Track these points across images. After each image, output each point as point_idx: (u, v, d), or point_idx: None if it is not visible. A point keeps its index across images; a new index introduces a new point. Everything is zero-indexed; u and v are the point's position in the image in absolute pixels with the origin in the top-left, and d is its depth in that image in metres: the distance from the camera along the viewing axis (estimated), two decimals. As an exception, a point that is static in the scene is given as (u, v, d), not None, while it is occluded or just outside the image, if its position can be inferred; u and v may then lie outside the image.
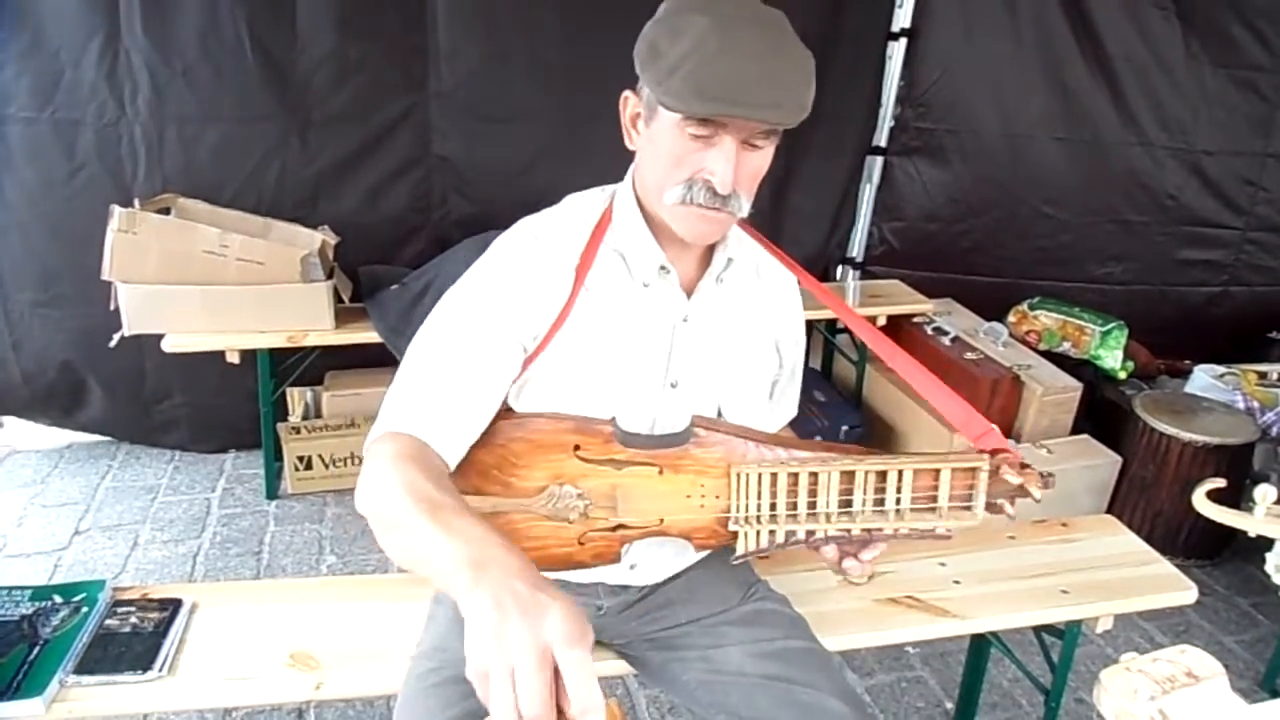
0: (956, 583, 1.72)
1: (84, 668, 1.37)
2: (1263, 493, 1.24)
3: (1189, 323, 3.75)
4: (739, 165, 1.08)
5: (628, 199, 1.21)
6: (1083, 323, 3.37)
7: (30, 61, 2.62)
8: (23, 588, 1.51)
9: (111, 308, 2.54)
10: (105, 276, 2.49)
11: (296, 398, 3.12)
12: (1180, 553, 2.70)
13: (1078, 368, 3.27)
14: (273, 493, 2.99)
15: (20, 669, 1.34)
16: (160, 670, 1.38)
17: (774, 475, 1.14)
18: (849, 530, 1.15)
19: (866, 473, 1.13)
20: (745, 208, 1.13)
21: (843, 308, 1.45)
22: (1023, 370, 3.12)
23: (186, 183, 2.78)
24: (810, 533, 1.15)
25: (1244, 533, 1.42)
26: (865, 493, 1.14)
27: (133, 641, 1.43)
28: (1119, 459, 2.89)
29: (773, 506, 1.15)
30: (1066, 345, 3.38)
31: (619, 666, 1.46)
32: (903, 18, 3.36)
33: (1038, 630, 1.87)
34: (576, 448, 1.17)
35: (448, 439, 1.09)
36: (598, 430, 1.17)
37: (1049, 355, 3.30)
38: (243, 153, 2.85)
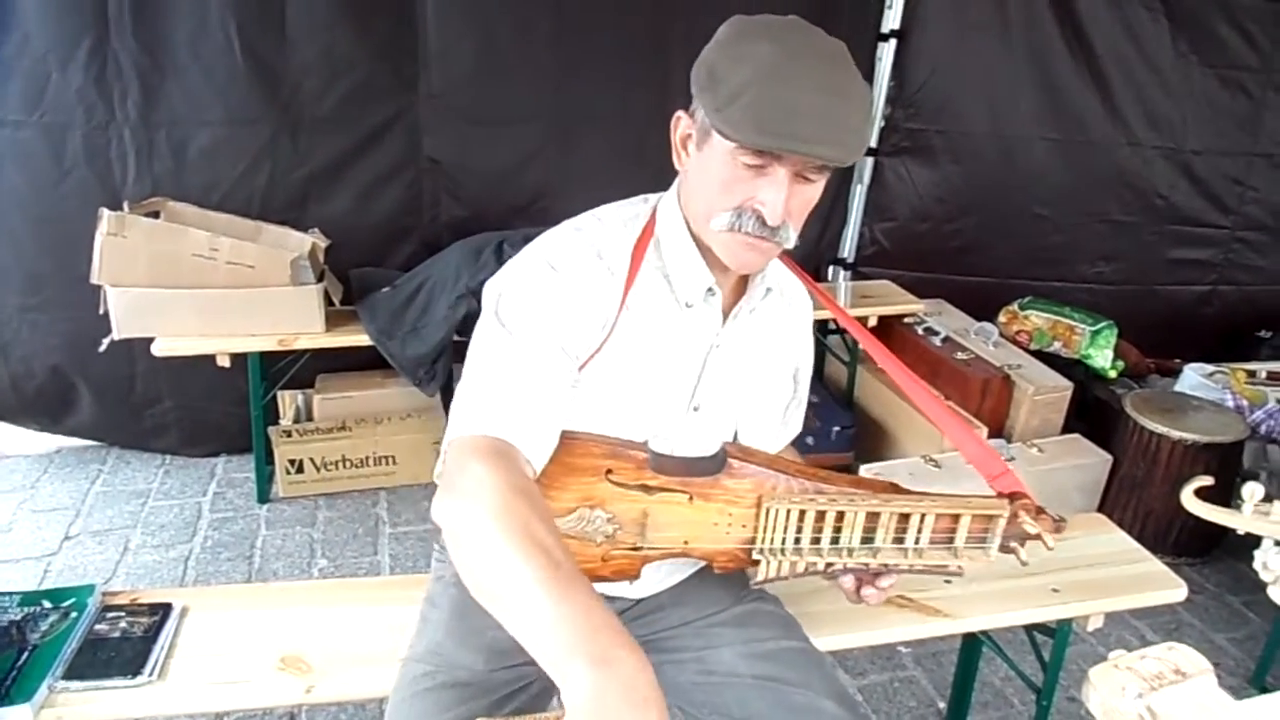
0: (948, 582, 1.72)
1: (73, 673, 1.36)
2: (1250, 490, 1.24)
3: (1178, 322, 3.77)
4: (790, 197, 1.06)
5: (674, 217, 1.19)
6: (1073, 322, 3.38)
7: (18, 65, 2.61)
8: (11, 593, 1.50)
9: (101, 311, 2.53)
10: (94, 280, 2.48)
11: (287, 401, 3.11)
12: (1171, 551, 2.71)
13: (1068, 367, 3.28)
14: (264, 496, 2.98)
15: (9, 675, 1.33)
16: (150, 675, 1.38)
17: (802, 512, 1.16)
18: (867, 565, 1.18)
19: (891, 514, 1.16)
20: (793, 239, 1.11)
21: (867, 338, 1.44)
22: (1013, 370, 3.13)
23: (176, 186, 2.77)
24: (830, 565, 1.18)
25: (1234, 531, 1.43)
26: (888, 531, 1.17)
27: (122, 646, 1.42)
28: (1109, 458, 2.90)
29: (797, 540, 1.18)
30: (1057, 345, 3.39)
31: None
32: (892, 19, 3.37)
33: (1029, 629, 1.87)
34: (609, 471, 1.16)
35: (535, 444, 1.05)
36: (631, 455, 1.16)
37: (1039, 355, 3.31)
38: (232, 155, 2.85)
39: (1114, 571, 1.78)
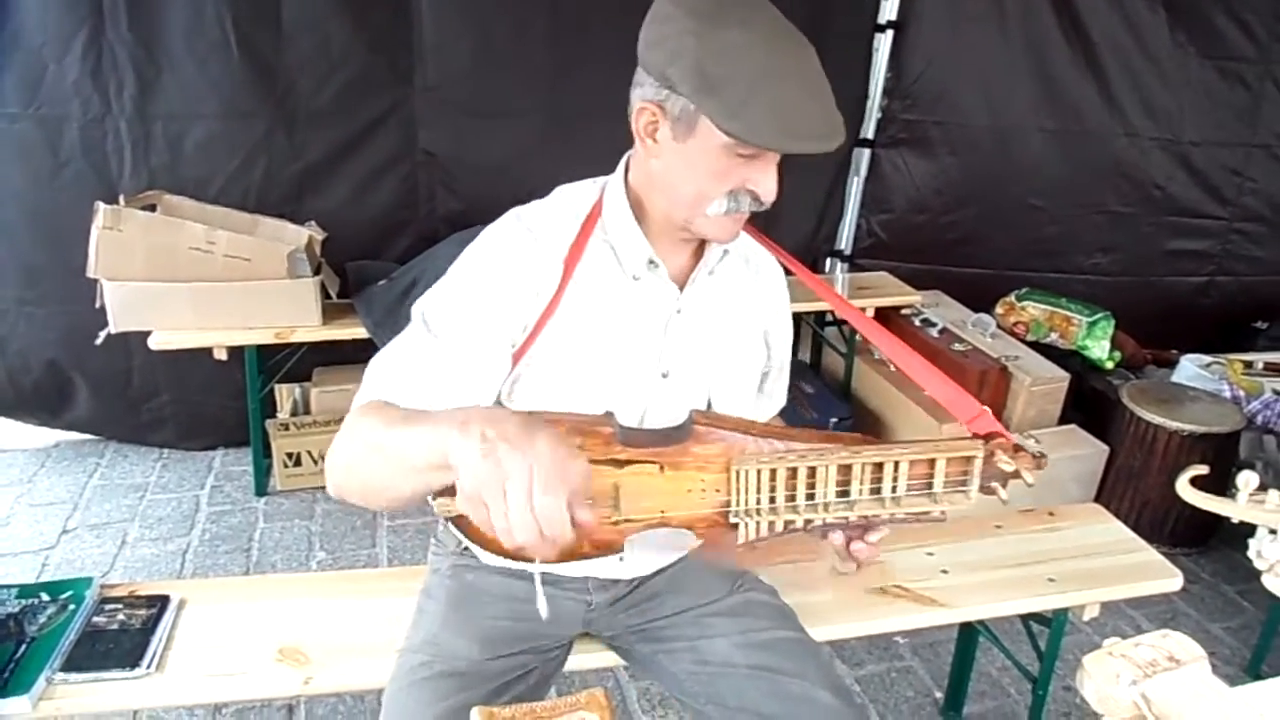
0: (945, 572, 1.73)
1: (71, 665, 1.36)
2: (1245, 479, 1.24)
3: (1175, 313, 3.77)
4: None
5: (618, 193, 1.22)
6: (1070, 313, 3.38)
7: (13, 57, 2.61)
8: (9, 586, 1.50)
9: (97, 305, 2.53)
10: (90, 274, 2.48)
11: (285, 394, 3.11)
12: (1167, 541, 2.72)
13: (1065, 358, 3.29)
14: (262, 489, 2.98)
15: (7, 667, 1.33)
16: (148, 667, 1.38)
17: (773, 471, 1.15)
18: (847, 518, 1.16)
19: (864, 465, 1.15)
20: (767, 206, 1.17)
21: (831, 293, 1.46)
22: (1010, 361, 3.13)
23: (172, 179, 2.77)
24: (809, 521, 1.17)
25: (1230, 521, 1.43)
26: (862, 483, 1.15)
27: (120, 638, 1.42)
28: (1106, 448, 2.90)
29: (772, 499, 1.16)
30: (1054, 336, 3.40)
31: (608, 658, 1.46)
32: (889, 10, 3.35)
33: (1025, 619, 1.88)
34: (580, 448, 1.17)
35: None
36: (598, 430, 1.16)
37: (1036, 346, 3.32)
38: (229, 149, 2.85)
39: (1110, 561, 1.79)
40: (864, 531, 1.21)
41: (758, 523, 1.17)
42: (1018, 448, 1.16)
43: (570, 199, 1.24)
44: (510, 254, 1.18)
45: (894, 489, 1.15)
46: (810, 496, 1.16)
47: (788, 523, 1.17)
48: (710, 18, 1.04)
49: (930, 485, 1.16)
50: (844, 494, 1.16)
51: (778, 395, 1.48)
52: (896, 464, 1.14)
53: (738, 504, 1.17)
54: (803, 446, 1.17)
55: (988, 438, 1.16)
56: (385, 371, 1.13)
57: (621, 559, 1.31)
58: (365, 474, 1.03)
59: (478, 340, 1.14)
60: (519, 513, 0.81)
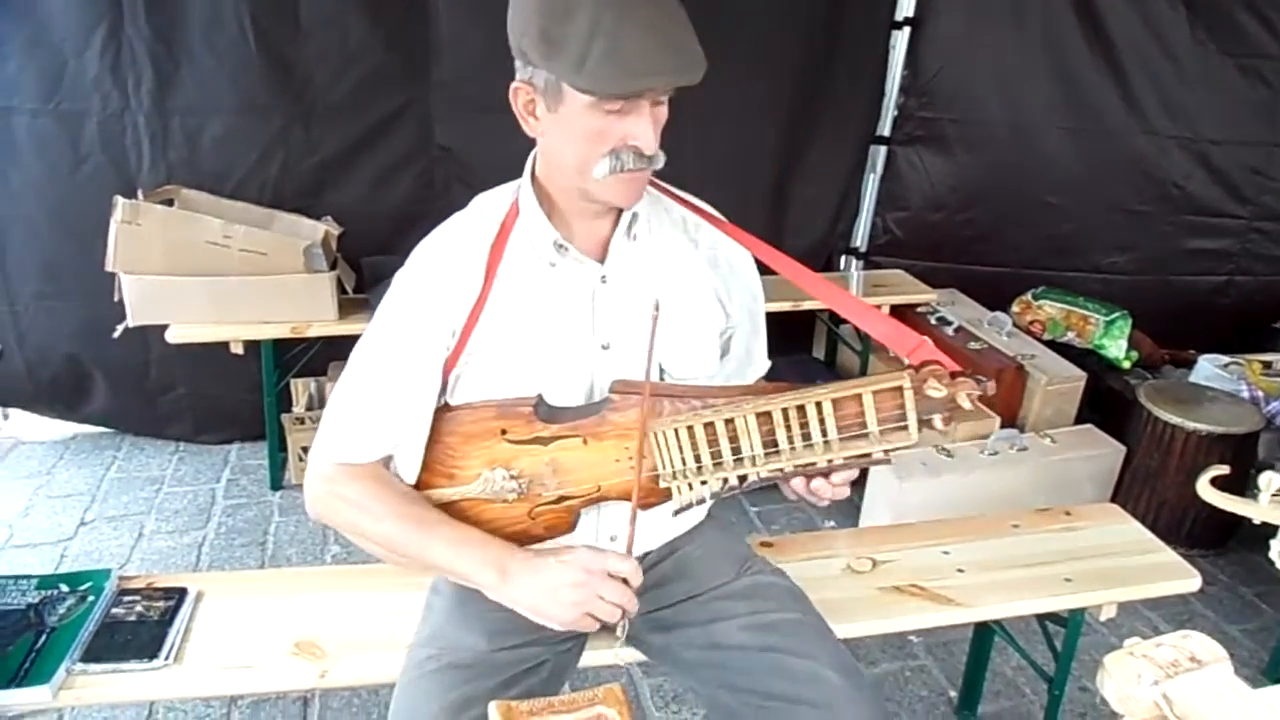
0: (960, 571, 1.73)
1: (90, 656, 1.37)
2: (1267, 480, 1.23)
3: (1193, 312, 3.73)
4: (654, 124, 1.12)
5: (526, 186, 1.25)
6: (1087, 312, 3.36)
7: (34, 53, 2.63)
8: (29, 576, 1.52)
9: (115, 299, 2.54)
10: (109, 268, 2.50)
11: (300, 388, 3.13)
12: (1184, 542, 2.69)
13: (1082, 357, 3.27)
14: (277, 483, 3.00)
15: (27, 657, 1.35)
16: (166, 659, 1.39)
17: (690, 429, 1.13)
18: (781, 470, 1.13)
19: (784, 409, 1.10)
20: (661, 160, 1.17)
21: (754, 242, 1.34)
22: (1027, 360, 3.12)
23: (190, 174, 2.79)
24: (743, 478, 1.14)
25: (1249, 522, 1.42)
26: (790, 430, 1.11)
27: (139, 630, 1.43)
28: (1123, 448, 2.88)
29: (697, 459, 1.15)
30: (1071, 335, 3.38)
31: (622, 655, 1.46)
32: (906, 7, 3.34)
33: (1041, 618, 1.87)
34: (504, 431, 1.22)
35: (390, 451, 1.25)
36: (520, 412, 1.21)
37: (1053, 345, 3.30)
38: (246, 143, 2.86)
39: (1127, 561, 1.77)
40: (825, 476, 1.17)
41: (689, 484, 1.16)
42: (955, 374, 1.09)
43: (486, 205, 1.28)
44: (430, 271, 1.23)
45: (824, 433, 1.10)
46: (736, 452, 1.13)
47: (722, 481, 1.15)
48: None
49: (864, 426, 1.10)
50: (773, 445, 1.13)
51: (758, 356, 1.43)
52: (819, 404, 1.09)
53: (664, 467, 1.17)
54: (719, 401, 1.15)
55: (921, 367, 1.10)
56: (338, 424, 1.25)
57: (613, 539, 1.30)
58: (374, 550, 1.29)
59: (413, 358, 1.22)
60: (608, 616, 1.16)
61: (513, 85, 1.17)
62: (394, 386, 1.22)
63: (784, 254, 1.26)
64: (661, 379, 1.25)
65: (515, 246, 1.24)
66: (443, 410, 1.25)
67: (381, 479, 1.24)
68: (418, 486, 1.27)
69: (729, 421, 1.12)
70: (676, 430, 1.14)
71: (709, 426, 1.13)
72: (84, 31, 2.63)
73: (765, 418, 1.12)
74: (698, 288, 1.32)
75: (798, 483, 1.17)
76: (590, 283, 1.25)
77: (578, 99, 1.09)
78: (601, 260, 1.25)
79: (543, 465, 1.22)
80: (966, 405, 1.09)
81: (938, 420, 1.10)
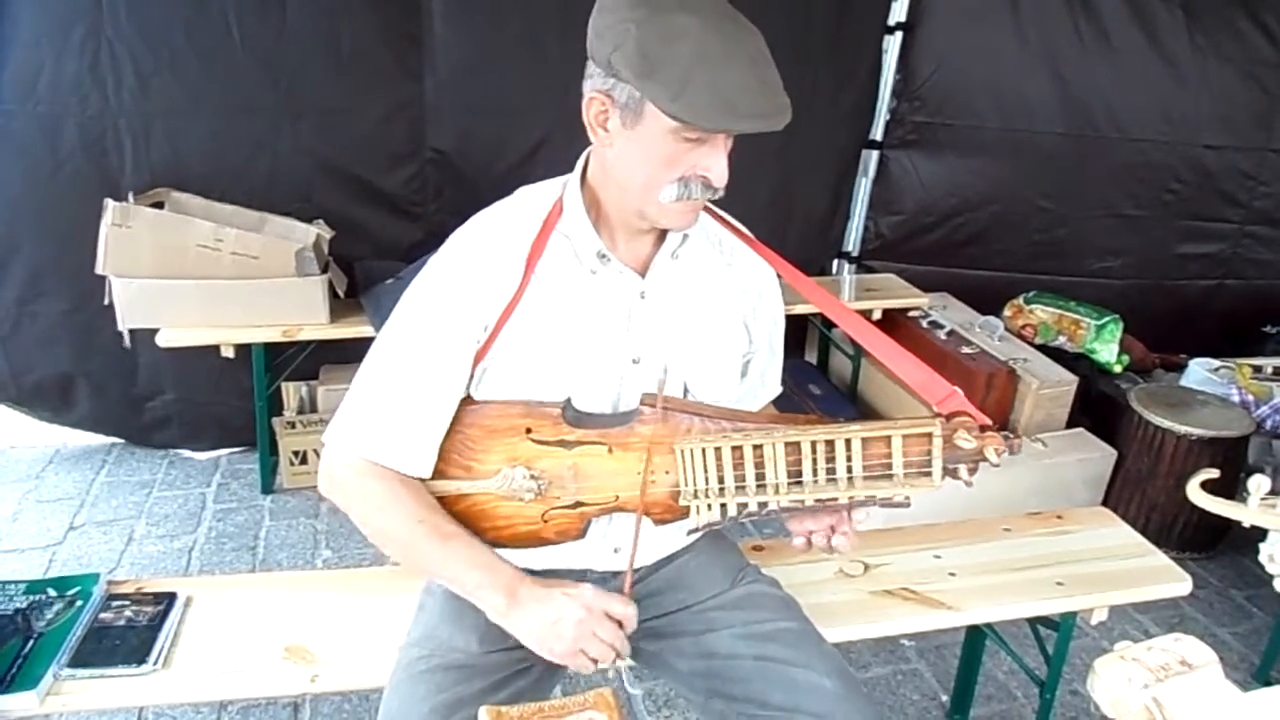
0: (952, 575, 1.73)
1: (78, 661, 1.36)
2: (1256, 483, 1.24)
3: (1184, 316, 3.75)
4: (726, 158, 1.13)
5: (574, 189, 1.23)
6: (1078, 316, 3.37)
7: (10, 53, 2.56)
8: (17, 582, 1.51)
9: (105, 302, 2.53)
10: (99, 271, 2.48)
11: (291, 392, 3.12)
12: (1175, 545, 2.70)
13: (1073, 361, 3.28)
14: (268, 488, 2.98)
15: (14, 662, 1.34)
16: (155, 663, 1.38)
17: (718, 450, 1.14)
18: (802, 501, 1.14)
19: (813, 443, 1.12)
20: (721, 192, 1.17)
21: (808, 284, 1.34)
22: (1018, 364, 3.12)
23: (175, 176, 2.74)
24: (763, 505, 1.15)
25: (1239, 526, 1.42)
26: (815, 463, 1.12)
27: (127, 635, 1.42)
28: (1114, 452, 2.89)
29: (720, 480, 1.15)
30: (1062, 339, 3.39)
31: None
32: (899, 11, 3.35)
33: (1033, 622, 1.88)
34: (529, 430, 1.21)
35: (418, 460, 1.22)
36: (547, 413, 1.20)
37: (1045, 349, 3.31)
38: (232, 145, 2.82)
39: (1118, 565, 1.78)
40: (837, 519, 1.20)
41: (709, 504, 1.16)
42: (985, 427, 1.11)
43: (531, 198, 1.27)
44: (470, 258, 1.22)
45: (849, 470, 1.12)
46: (760, 478, 1.14)
47: (740, 505, 1.16)
48: (652, 4, 1.05)
49: (890, 467, 1.12)
50: (797, 476, 1.14)
51: (772, 380, 1.46)
52: (849, 442, 1.11)
53: (686, 484, 1.17)
54: (750, 427, 1.16)
55: (951, 417, 1.13)
56: (367, 414, 1.21)
57: (616, 550, 1.30)
58: (378, 541, 1.26)
59: (443, 347, 1.20)
60: (602, 655, 1.15)
61: (587, 94, 1.14)
62: (426, 381, 1.20)
63: (819, 286, 1.28)
64: (685, 397, 1.26)
65: (556, 246, 1.23)
66: (465, 401, 1.24)
67: (406, 480, 1.22)
68: (434, 478, 1.25)
69: (757, 447, 1.13)
70: (705, 449, 1.14)
71: (736, 450, 1.14)
72: (61, 30, 2.56)
73: (794, 448, 1.13)
74: (728, 311, 1.33)
75: (818, 538, 1.20)
76: (629, 296, 1.24)
77: (660, 122, 1.07)
78: (642, 274, 1.25)
79: (565, 469, 1.21)
80: (995, 460, 1.11)
81: (963, 471, 1.12)
